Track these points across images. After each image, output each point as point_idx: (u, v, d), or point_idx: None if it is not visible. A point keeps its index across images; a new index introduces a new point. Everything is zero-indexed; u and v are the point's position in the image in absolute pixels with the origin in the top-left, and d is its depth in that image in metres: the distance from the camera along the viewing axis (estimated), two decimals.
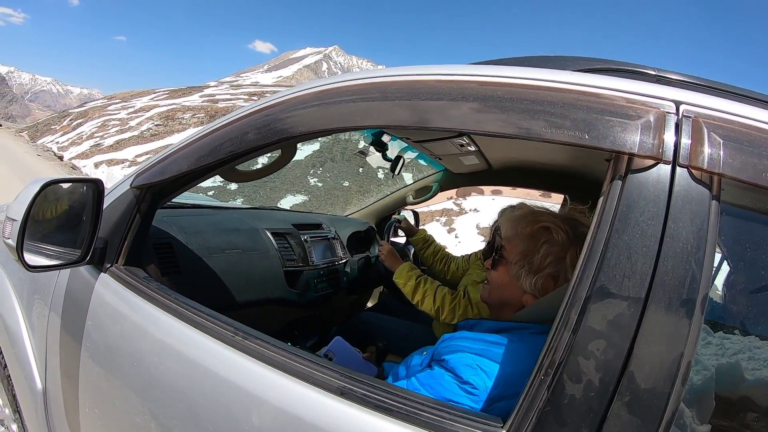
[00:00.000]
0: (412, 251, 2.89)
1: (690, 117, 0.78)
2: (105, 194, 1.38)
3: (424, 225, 13.24)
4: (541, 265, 1.19)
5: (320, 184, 19.38)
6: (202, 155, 1.25)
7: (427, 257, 2.91)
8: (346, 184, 19.64)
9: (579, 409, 0.72)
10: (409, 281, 2.19)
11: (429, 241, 2.93)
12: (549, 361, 0.76)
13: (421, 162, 3.03)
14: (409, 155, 2.79)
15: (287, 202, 17.37)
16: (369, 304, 3.45)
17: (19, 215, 1.23)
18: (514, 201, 2.58)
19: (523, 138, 0.85)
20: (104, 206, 1.37)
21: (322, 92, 1.11)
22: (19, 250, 1.23)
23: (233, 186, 16.29)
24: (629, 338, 0.71)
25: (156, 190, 1.40)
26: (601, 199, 0.81)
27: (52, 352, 1.48)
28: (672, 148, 0.76)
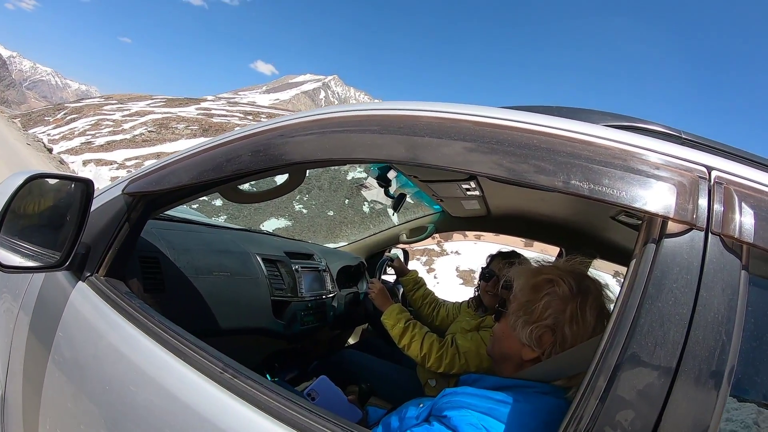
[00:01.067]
0: (401, 291, 2.84)
1: (722, 184, 0.77)
2: (94, 196, 1.30)
3: None
4: (540, 316, 1.15)
5: (305, 211, 19.36)
6: (205, 170, 1.18)
7: (416, 299, 2.86)
8: (331, 213, 19.64)
9: None
10: (398, 323, 2.14)
11: (420, 283, 2.89)
12: (573, 431, 0.71)
13: (418, 201, 3.01)
14: (410, 193, 2.77)
15: (270, 225, 17.27)
16: (351, 341, 3.38)
17: None
18: (497, 247, 2.57)
19: (561, 192, 0.82)
20: (91, 209, 1.29)
21: (336, 120, 1.08)
22: None
23: (218, 202, 16.16)
24: (658, 409, 0.68)
25: (150, 200, 1.33)
26: (633, 262, 0.78)
27: (15, 357, 1.38)
28: (705, 214, 0.75)
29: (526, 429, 1.00)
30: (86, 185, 1.28)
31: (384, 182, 2.47)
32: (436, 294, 2.93)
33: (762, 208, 0.74)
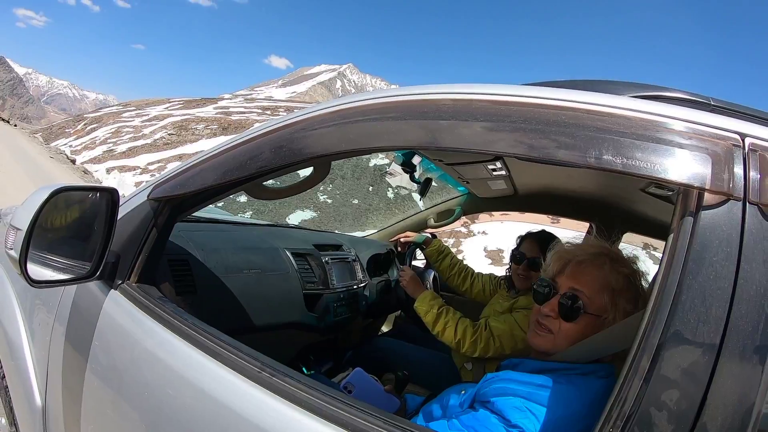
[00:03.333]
0: (432, 276, 2.83)
1: (757, 151, 0.74)
2: (119, 204, 1.31)
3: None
4: (625, 311, 1.12)
5: (330, 201, 19.46)
6: (229, 169, 1.18)
7: (444, 270, 2.84)
8: (356, 201, 19.70)
9: None
10: (431, 310, 2.13)
11: (444, 252, 2.85)
12: (618, 413, 0.72)
13: (444, 184, 2.99)
14: (435, 176, 2.75)
15: (296, 218, 17.41)
16: (384, 329, 3.40)
17: (24, 224, 1.15)
18: (524, 225, 2.54)
19: (593, 168, 0.80)
20: (118, 217, 1.30)
21: (355, 110, 1.06)
22: (23, 263, 1.15)
23: (243, 198, 16.36)
24: (703, 387, 0.67)
25: (175, 204, 1.33)
26: (670, 237, 0.76)
27: (54, 367, 1.40)
28: (741, 183, 0.72)
29: (570, 410, 1.00)
30: (111, 194, 1.29)
31: (409, 168, 2.45)
32: (465, 263, 2.91)
33: None
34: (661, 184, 0.77)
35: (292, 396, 0.91)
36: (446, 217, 3.26)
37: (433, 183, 2.81)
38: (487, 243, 17.66)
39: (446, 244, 2.90)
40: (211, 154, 1.27)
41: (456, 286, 2.83)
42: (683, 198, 0.76)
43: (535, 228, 2.39)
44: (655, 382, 0.69)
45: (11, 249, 1.17)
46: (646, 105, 0.84)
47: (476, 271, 2.89)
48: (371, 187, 20.15)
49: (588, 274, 1.17)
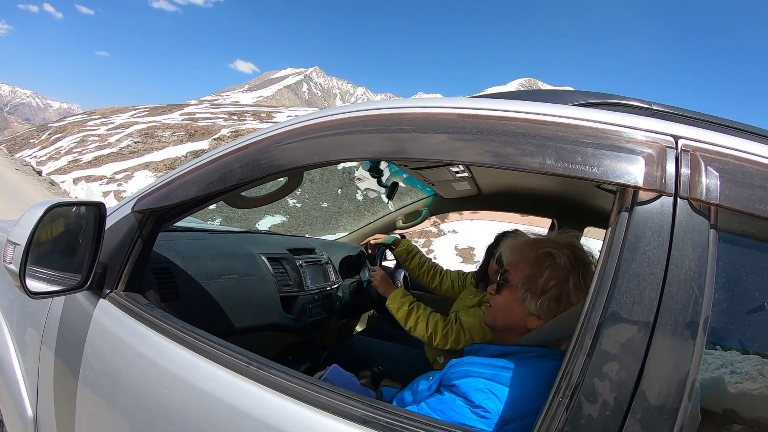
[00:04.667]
0: (402, 275, 2.91)
1: (688, 151, 0.83)
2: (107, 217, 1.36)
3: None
4: (545, 287, 1.23)
5: (299, 205, 19.34)
6: (211, 182, 1.24)
7: (413, 269, 2.90)
8: (325, 205, 19.63)
9: (596, 428, 0.76)
10: (402, 307, 2.20)
11: (413, 251, 2.92)
12: (566, 384, 0.80)
13: (411, 187, 3.07)
14: (402, 180, 2.83)
15: (266, 223, 17.25)
16: (358, 329, 3.46)
17: (23, 240, 1.20)
18: (493, 224, 2.64)
19: (539, 173, 0.89)
20: (105, 229, 1.35)
21: (338, 122, 1.14)
22: (22, 276, 1.21)
23: (212, 206, 16.15)
24: (640, 360, 0.76)
25: (159, 215, 1.39)
26: (608, 230, 0.85)
27: (44, 378, 1.44)
28: (673, 180, 0.81)
29: (527, 389, 1.08)
30: (98, 208, 1.34)
31: (376, 173, 2.53)
32: (434, 261, 2.98)
33: (727, 171, 0.80)
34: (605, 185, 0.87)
35: (279, 386, 0.98)
36: (414, 218, 3.34)
37: (400, 186, 2.89)
38: (457, 241, 17.79)
39: (415, 244, 2.98)
40: (192, 167, 1.32)
41: (426, 283, 2.89)
42: (620, 195, 0.85)
43: (510, 227, 2.47)
44: (597, 356, 0.77)
45: (10, 263, 1.22)
46: (588, 113, 0.94)
47: (445, 268, 2.97)
48: (340, 190, 20.12)
49: (517, 254, 1.33)
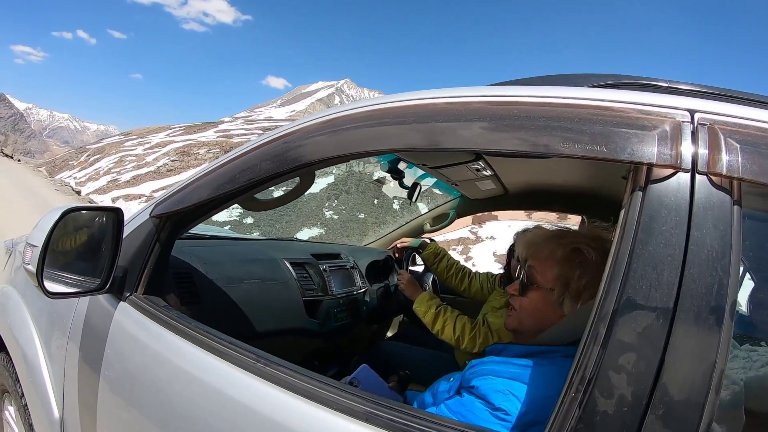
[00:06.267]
0: (431, 279, 2.86)
1: (705, 125, 0.78)
2: (125, 223, 1.39)
3: None
4: (578, 288, 1.15)
5: (336, 217, 19.51)
6: (221, 183, 1.25)
7: (441, 272, 2.85)
8: (362, 216, 19.73)
9: (612, 425, 0.71)
10: (429, 310, 2.17)
11: (440, 254, 2.87)
12: (579, 378, 0.74)
13: (437, 190, 3.03)
14: (426, 182, 2.80)
15: (303, 235, 17.46)
16: (389, 333, 3.42)
17: (40, 241, 1.24)
18: (531, 225, 2.56)
19: (541, 155, 0.86)
20: (124, 235, 1.38)
21: (335, 119, 1.12)
22: (39, 276, 1.24)
23: (249, 219, 16.44)
24: (660, 350, 0.70)
25: (176, 219, 1.41)
26: (622, 212, 0.80)
27: (69, 381, 1.47)
28: (690, 156, 0.76)
29: (551, 391, 1.02)
30: (116, 213, 1.37)
31: (397, 174, 2.50)
32: (462, 264, 2.92)
33: (748, 143, 0.74)
34: (617, 165, 0.81)
35: (286, 383, 0.97)
36: (441, 221, 3.30)
37: (426, 188, 2.86)
38: (496, 247, 17.65)
39: (443, 247, 2.94)
40: (205, 171, 1.34)
41: (454, 286, 2.84)
42: (633, 174, 0.80)
43: (530, 225, 2.41)
44: (612, 347, 0.72)
45: (28, 264, 1.26)
46: (601, 93, 0.90)
47: (473, 270, 2.91)
48: (376, 200, 20.19)
49: (539, 251, 1.24)
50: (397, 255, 3.09)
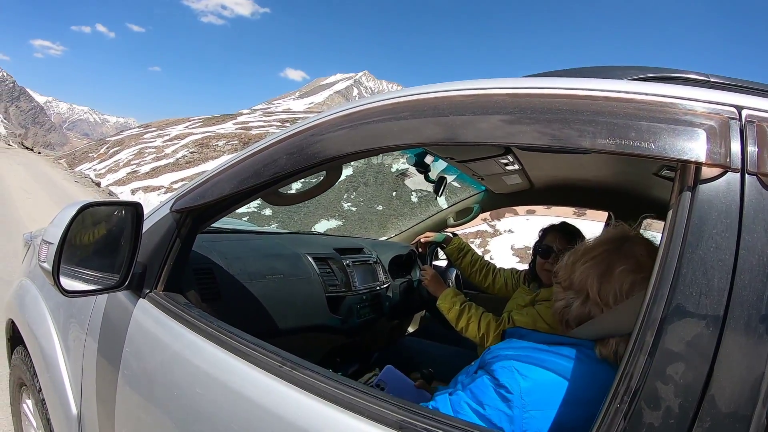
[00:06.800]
0: (454, 275, 2.83)
1: (753, 122, 0.74)
2: (144, 218, 1.37)
3: None
4: (628, 293, 1.07)
5: (354, 209, 19.52)
6: (244, 178, 1.22)
7: (465, 267, 2.82)
8: (380, 208, 19.72)
9: None
10: (454, 307, 2.14)
11: (464, 249, 2.83)
12: (625, 388, 0.71)
13: (461, 183, 3.00)
14: (452, 176, 2.76)
15: (321, 227, 17.50)
16: (410, 329, 3.40)
17: (56, 239, 1.21)
18: (549, 220, 2.51)
19: (585, 151, 0.82)
20: (143, 230, 1.36)
21: (363, 112, 1.09)
22: (55, 274, 1.21)
23: (268, 211, 16.53)
24: (709, 360, 0.67)
25: (197, 214, 1.38)
26: (669, 212, 0.76)
27: (87, 377, 1.46)
28: (739, 155, 0.72)
29: (564, 376, 1.01)
30: (135, 208, 1.34)
31: (423, 168, 2.47)
32: (486, 259, 2.89)
33: None
34: (663, 162, 0.78)
35: (312, 387, 0.94)
36: (465, 215, 3.27)
37: (452, 182, 2.82)
38: (513, 241, 17.52)
39: (466, 242, 2.90)
40: (227, 164, 1.31)
41: (478, 282, 2.81)
42: (681, 173, 0.76)
43: (556, 221, 2.37)
44: (660, 356, 0.69)
45: (44, 262, 1.23)
46: (643, 86, 0.85)
47: (498, 266, 2.87)
48: (395, 192, 20.16)
49: (576, 274, 1.17)
50: (420, 250, 3.06)
